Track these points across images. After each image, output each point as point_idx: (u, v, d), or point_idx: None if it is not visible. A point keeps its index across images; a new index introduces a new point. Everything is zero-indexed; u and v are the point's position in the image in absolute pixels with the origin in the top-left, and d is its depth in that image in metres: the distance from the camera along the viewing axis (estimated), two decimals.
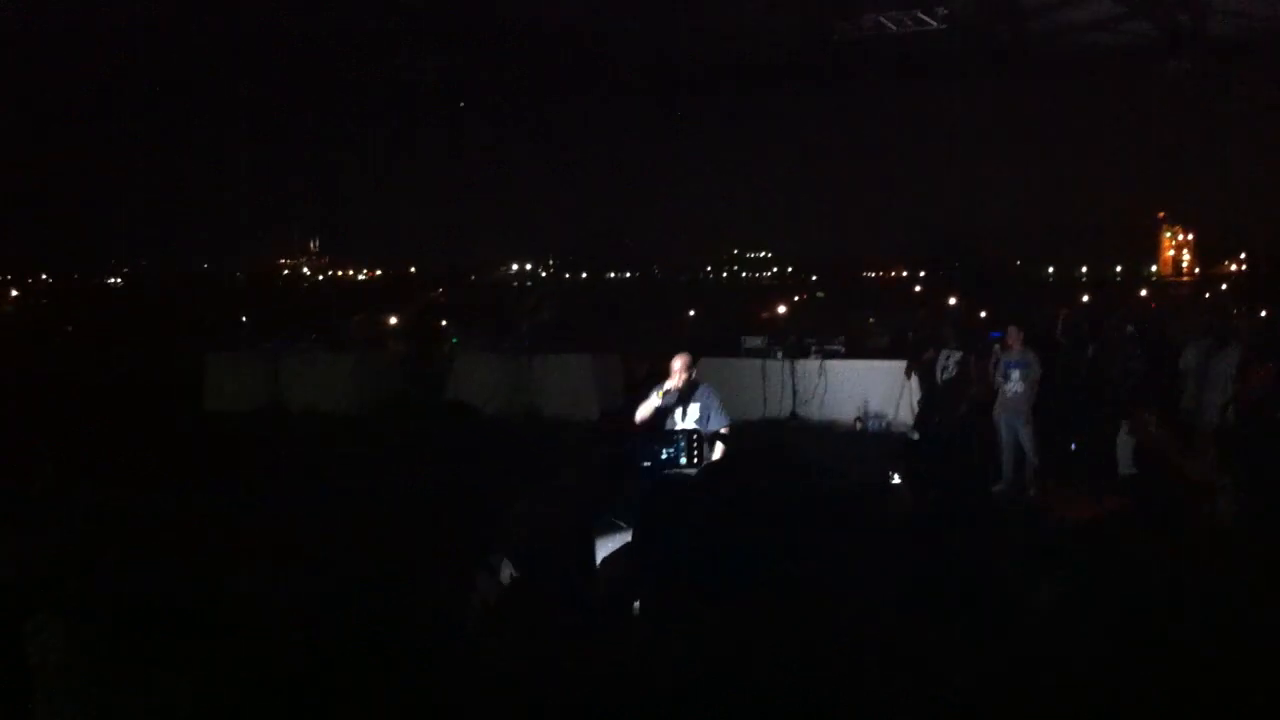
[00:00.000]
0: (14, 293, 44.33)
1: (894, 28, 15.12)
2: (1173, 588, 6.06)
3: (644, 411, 7.94)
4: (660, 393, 7.88)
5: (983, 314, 19.12)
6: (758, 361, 15.68)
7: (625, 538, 6.01)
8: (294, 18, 15.82)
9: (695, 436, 6.34)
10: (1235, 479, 8.17)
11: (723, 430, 7.69)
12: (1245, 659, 5.03)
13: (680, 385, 7.89)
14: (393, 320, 24.66)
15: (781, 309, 23.30)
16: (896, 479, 10.25)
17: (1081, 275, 62.13)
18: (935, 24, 14.90)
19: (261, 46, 17.04)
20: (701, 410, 7.87)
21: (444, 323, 21.38)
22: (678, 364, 7.90)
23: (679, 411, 7.92)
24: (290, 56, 17.62)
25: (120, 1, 15.03)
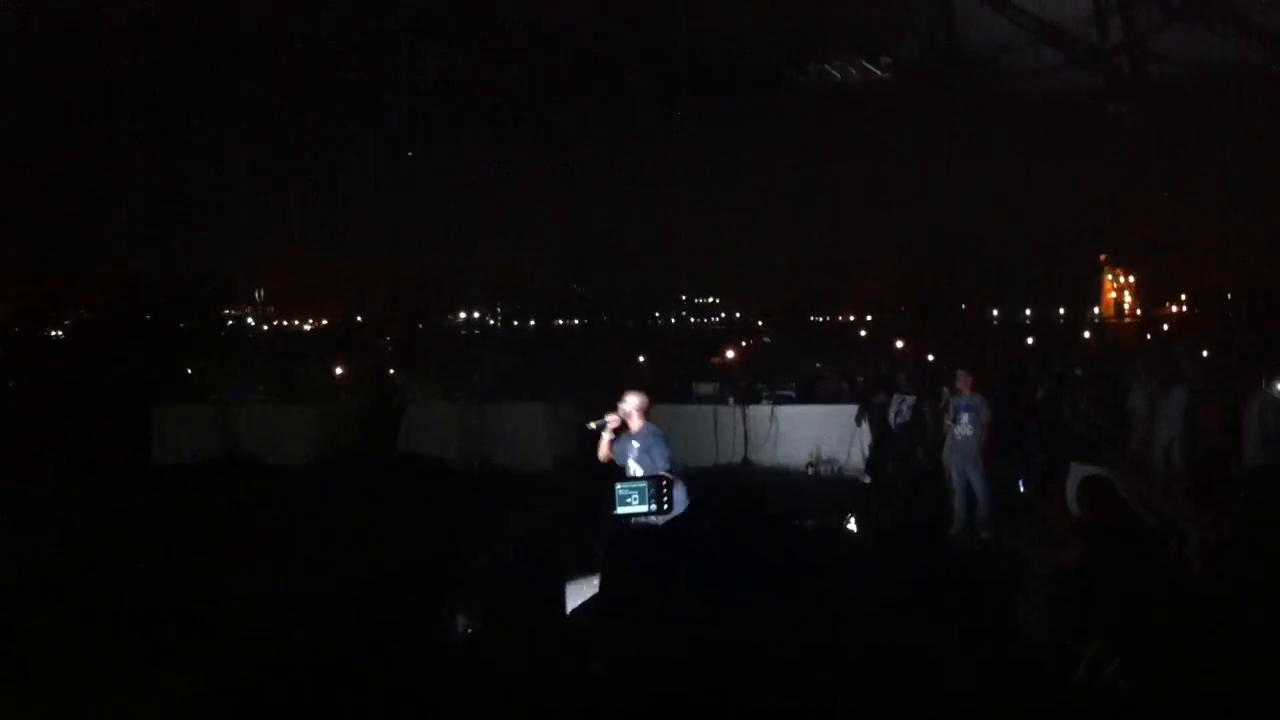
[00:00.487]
0: None
1: (839, 76, 15.35)
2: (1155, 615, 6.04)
3: (603, 450, 8.01)
4: (609, 432, 7.92)
5: (930, 357, 19.29)
6: (710, 407, 15.74)
7: (593, 587, 5.97)
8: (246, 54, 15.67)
9: (664, 483, 6.27)
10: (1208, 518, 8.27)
11: (662, 469, 7.57)
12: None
13: (634, 424, 7.94)
14: (340, 370, 24.41)
15: (731, 354, 23.42)
16: (851, 523, 10.28)
17: (1025, 318, 62.89)
18: (880, 73, 15.15)
19: (199, 96, 16.88)
20: (643, 451, 7.83)
21: (393, 372, 21.18)
22: (633, 403, 7.94)
23: (630, 449, 7.93)
24: (230, 106, 17.49)
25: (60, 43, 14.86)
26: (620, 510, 6.35)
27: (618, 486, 6.72)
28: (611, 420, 7.94)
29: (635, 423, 7.96)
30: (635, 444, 7.94)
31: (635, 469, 7.89)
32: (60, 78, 16.07)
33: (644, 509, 6.21)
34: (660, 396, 16.11)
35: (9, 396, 20.20)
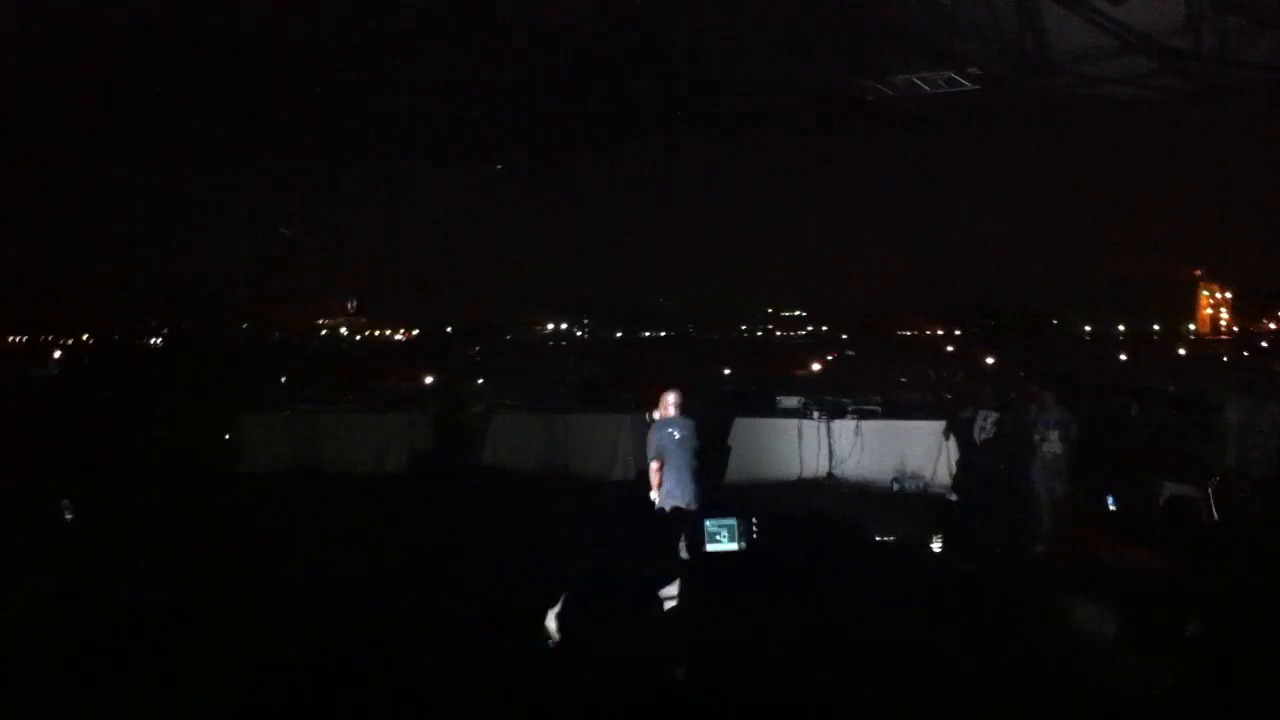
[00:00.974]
0: (56, 354, 44.88)
1: (927, 89, 15.15)
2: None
3: (653, 458, 9.20)
4: (654, 425, 9.43)
5: (1021, 373, 18.99)
6: (794, 421, 15.61)
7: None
8: (329, 69, 15.91)
9: (754, 522, 6.63)
10: None
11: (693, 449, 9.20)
12: None
13: (671, 416, 9.38)
14: (428, 380, 24.73)
15: (816, 367, 23.22)
16: (937, 544, 10.16)
17: (1119, 333, 61.68)
18: (968, 85, 14.93)
19: (296, 100, 17.16)
20: (682, 438, 9.19)
21: (480, 382, 21.40)
22: (671, 398, 9.46)
23: (671, 437, 9.18)
24: (328, 111, 17.74)
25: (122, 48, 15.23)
26: (710, 548, 6.53)
27: (707, 524, 6.83)
28: (659, 414, 9.50)
29: (671, 412, 9.45)
30: (675, 433, 9.23)
31: (676, 453, 9.11)
32: (148, 90, 16.52)
33: (733, 546, 6.36)
34: (744, 410, 16.22)
35: (108, 404, 20.74)
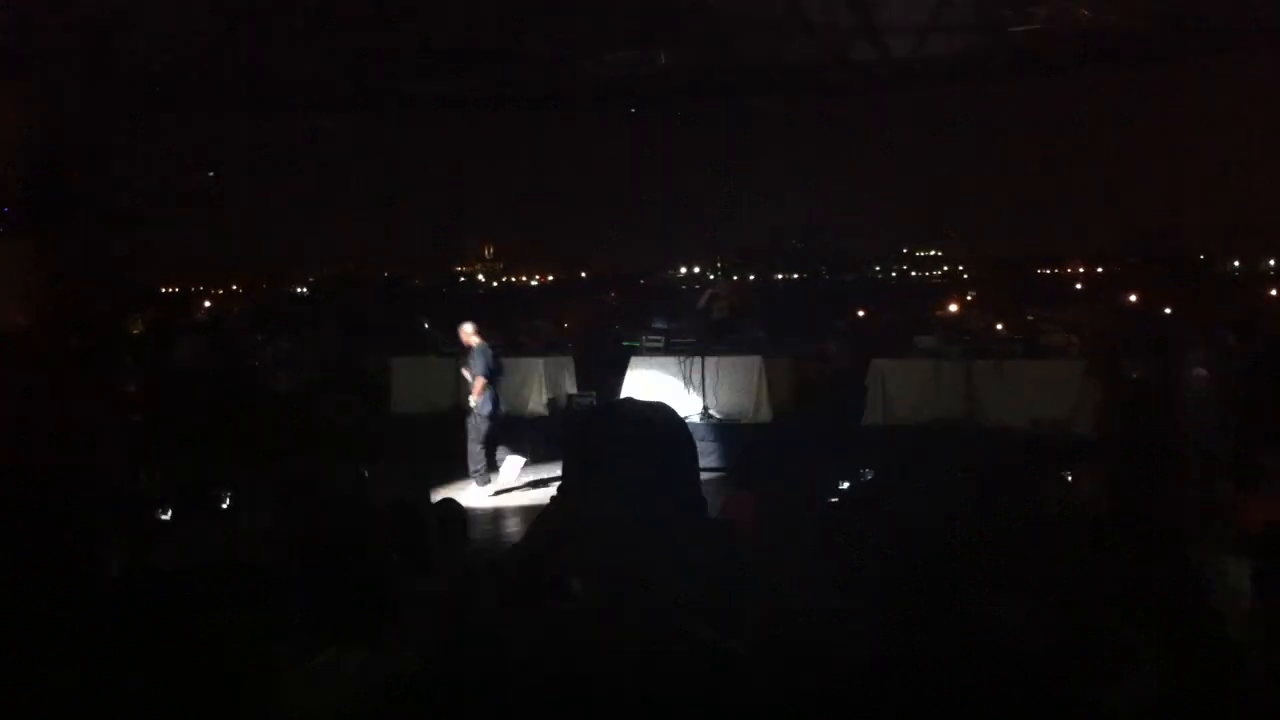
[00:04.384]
0: (206, 303, 46.79)
1: (1084, 16, 14.69)
2: None
3: None
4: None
5: (1167, 310, 18.42)
6: (931, 361, 15.49)
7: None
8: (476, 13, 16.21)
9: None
10: None
11: None
12: None
13: None
14: (565, 324, 25.14)
15: (954, 307, 22.88)
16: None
17: (1270, 268, 58.83)
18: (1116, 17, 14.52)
19: (435, 50, 17.46)
20: None
21: (617, 326, 21.68)
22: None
23: None
24: (465, 61, 18.02)
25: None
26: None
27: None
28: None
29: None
30: None
31: None
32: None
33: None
34: (880, 350, 16.16)
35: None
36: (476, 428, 13.73)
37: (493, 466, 13.80)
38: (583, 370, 18.35)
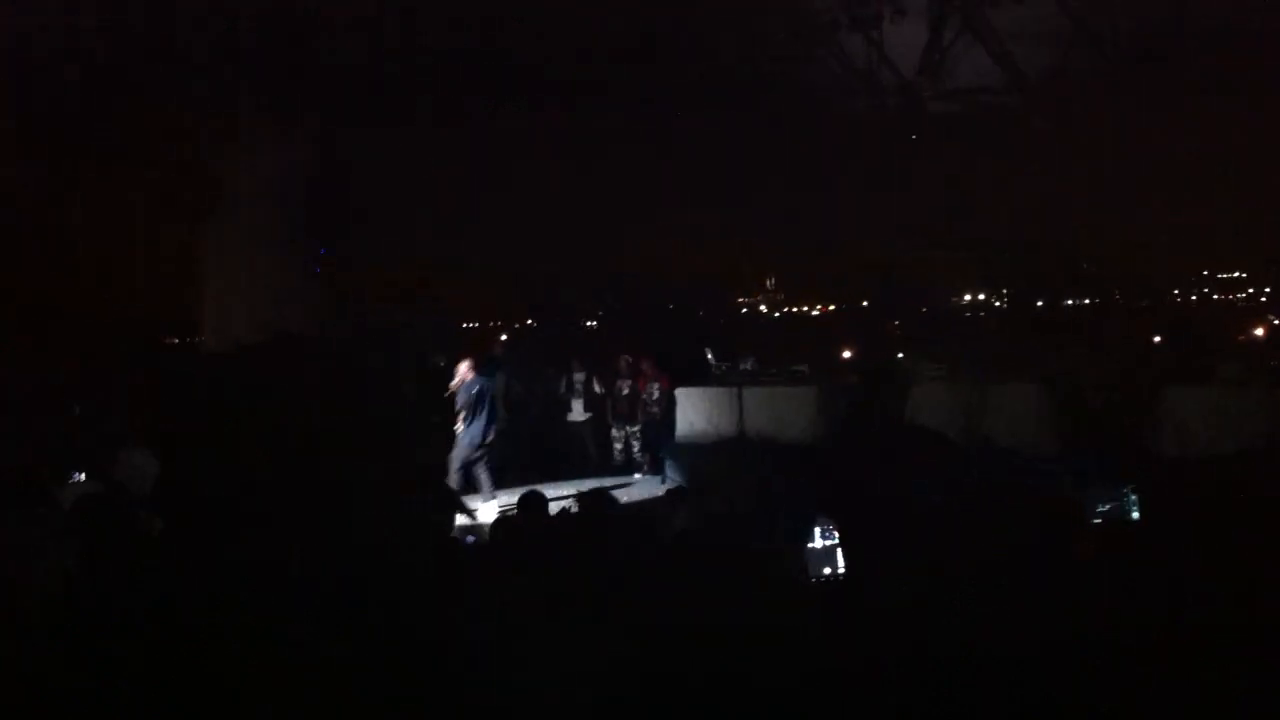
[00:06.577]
0: (503, 336, 49.19)
1: None
2: None
3: None
4: None
5: None
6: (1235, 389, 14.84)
7: None
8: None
9: None
10: None
11: None
12: None
13: None
14: (846, 354, 25.35)
15: (1260, 331, 21.57)
16: None
17: None
18: None
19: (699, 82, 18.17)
20: None
21: (900, 355, 21.74)
22: None
23: None
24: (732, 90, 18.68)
25: None
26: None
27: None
28: None
29: None
30: None
31: None
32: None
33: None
34: (1179, 379, 15.57)
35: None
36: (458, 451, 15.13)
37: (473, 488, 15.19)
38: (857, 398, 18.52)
